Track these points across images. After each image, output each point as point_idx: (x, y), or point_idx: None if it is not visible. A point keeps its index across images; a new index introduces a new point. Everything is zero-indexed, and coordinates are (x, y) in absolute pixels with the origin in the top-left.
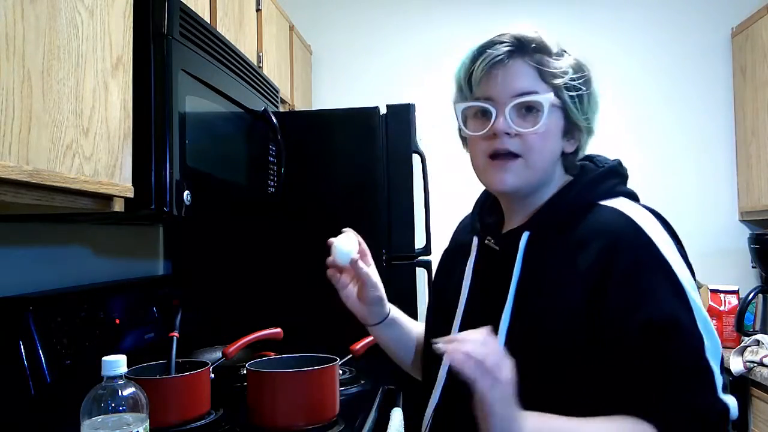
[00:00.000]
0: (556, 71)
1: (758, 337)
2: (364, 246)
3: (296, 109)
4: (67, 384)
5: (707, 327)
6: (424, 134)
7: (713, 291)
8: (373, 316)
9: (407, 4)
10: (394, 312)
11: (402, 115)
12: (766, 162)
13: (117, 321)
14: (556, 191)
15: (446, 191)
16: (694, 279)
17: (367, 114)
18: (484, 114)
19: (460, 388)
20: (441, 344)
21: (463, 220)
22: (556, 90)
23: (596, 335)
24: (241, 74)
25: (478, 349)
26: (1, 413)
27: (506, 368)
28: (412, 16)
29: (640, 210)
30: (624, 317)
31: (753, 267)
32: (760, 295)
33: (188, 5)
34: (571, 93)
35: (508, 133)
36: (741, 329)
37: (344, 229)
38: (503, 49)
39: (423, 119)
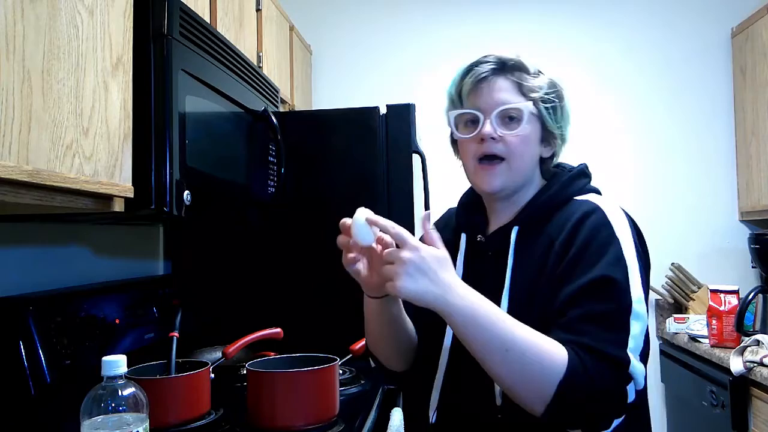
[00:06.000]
0: (533, 86)
1: (758, 337)
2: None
3: (296, 109)
4: (67, 384)
5: (639, 298)
6: (424, 134)
7: (713, 291)
8: (381, 289)
9: (407, 5)
10: None
11: (402, 115)
12: (766, 162)
13: (117, 321)
14: (536, 192)
15: (446, 191)
16: (647, 262)
17: (367, 114)
18: (474, 122)
19: (460, 371)
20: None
21: (438, 220)
22: (534, 102)
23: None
24: (241, 74)
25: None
26: (1, 413)
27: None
28: (412, 17)
29: (608, 201)
30: (571, 277)
31: (753, 267)
32: (760, 295)
33: (188, 5)
34: (546, 105)
35: (493, 138)
36: (741, 329)
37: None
38: (488, 67)
39: (423, 119)
